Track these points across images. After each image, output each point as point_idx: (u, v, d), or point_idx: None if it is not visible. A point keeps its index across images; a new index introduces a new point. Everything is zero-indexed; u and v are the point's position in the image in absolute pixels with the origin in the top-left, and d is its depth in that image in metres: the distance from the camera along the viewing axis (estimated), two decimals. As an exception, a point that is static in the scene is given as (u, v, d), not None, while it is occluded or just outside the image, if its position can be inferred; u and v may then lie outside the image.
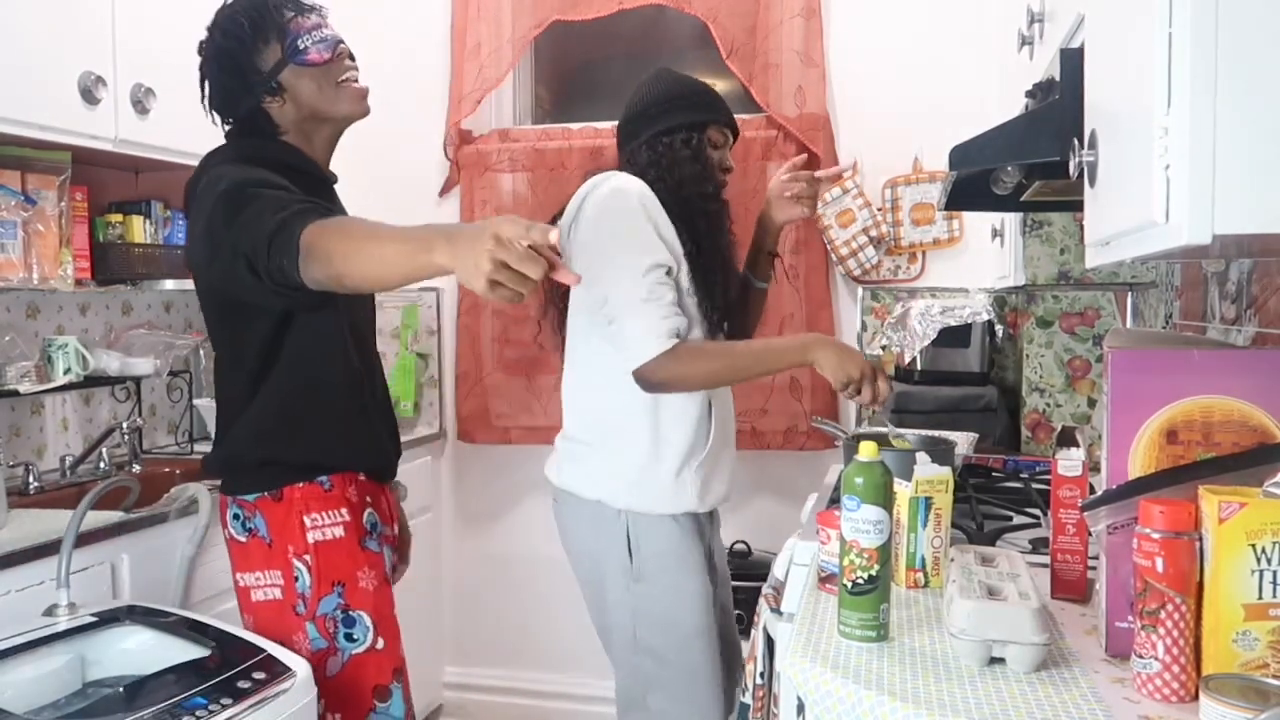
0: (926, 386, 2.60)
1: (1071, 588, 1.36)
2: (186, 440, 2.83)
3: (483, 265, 1.14)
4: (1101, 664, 1.14)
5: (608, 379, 1.83)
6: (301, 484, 1.66)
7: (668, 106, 1.91)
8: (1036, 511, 1.83)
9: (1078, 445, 1.36)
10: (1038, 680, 1.09)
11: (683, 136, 1.89)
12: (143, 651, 1.62)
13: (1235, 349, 1.25)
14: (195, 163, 2.41)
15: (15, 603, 1.71)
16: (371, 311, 1.86)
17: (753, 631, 1.62)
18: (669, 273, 1.79)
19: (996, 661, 1.12)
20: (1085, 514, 1.16)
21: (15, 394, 2.19)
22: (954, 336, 2.61)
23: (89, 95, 2.09)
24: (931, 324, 2.61)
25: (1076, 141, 1.14)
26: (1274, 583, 0.97)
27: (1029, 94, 1.44)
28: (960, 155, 1.36)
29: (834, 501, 1.73)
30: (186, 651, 1.58)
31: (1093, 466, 1.39)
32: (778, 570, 1.60)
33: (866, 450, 1.23)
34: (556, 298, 1.99)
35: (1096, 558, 1.23)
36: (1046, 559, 1.41)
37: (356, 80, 1.66)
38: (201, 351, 2.95)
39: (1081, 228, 1.88)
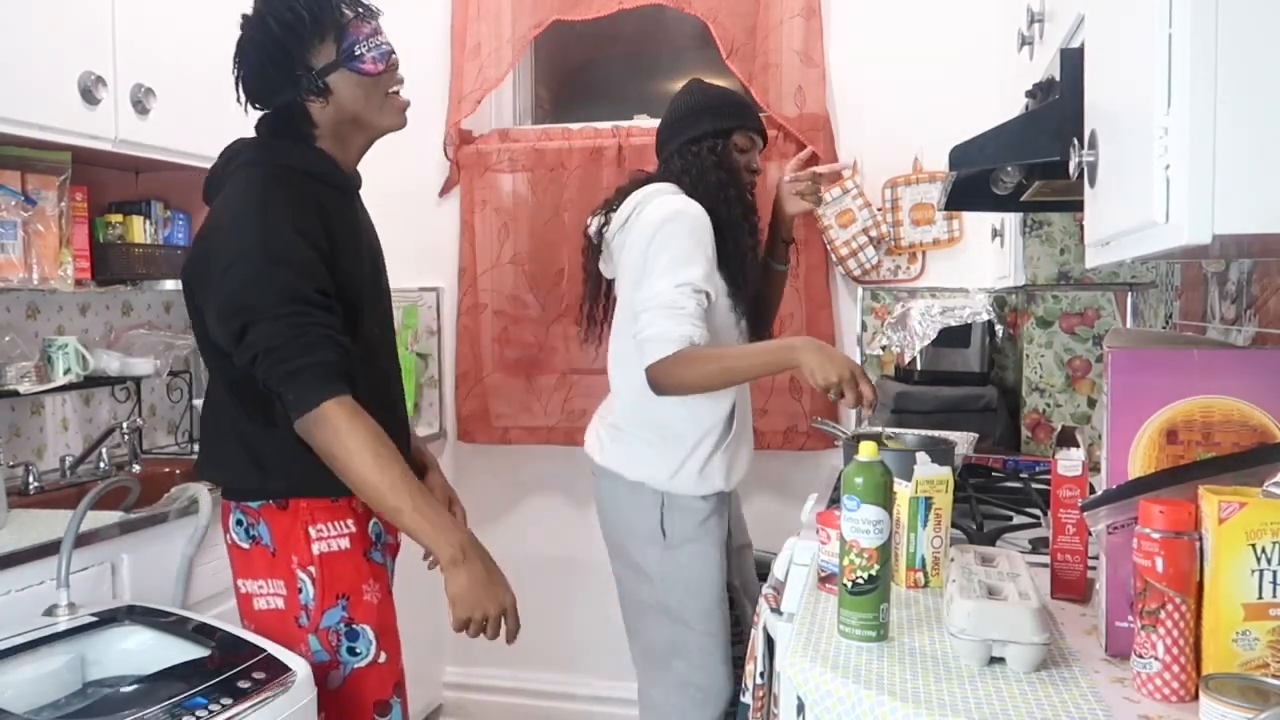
0: (926, 386, 2.60)
1: (1071, 588, 1.36)
2: (186, 440, 2.83)
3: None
4: (1101, 664, 1.14)
5: None
6: (310, 499, 1.62)
7: (696, 116, 2.10)
8: (1036, 511, 1.83)
9: (1078, 445, 1.36)
10: (1038, 680, 1.09)
11: (709, 144, 2.07)
12: (143, 651, 1.62)
13: (1235, 349, 1.25)
14: (195, 163, 2.45)
15: (15, 603, 1.71)
16: (390, 320, 1.80)
17: (753, 631, 1.62)
18: (701, 292, 1.95)
19: (996, 661, 1.12)
20: (1085, 514, 1.16)
21: (15, 394, 2.19)
22: (954, 336, 2.61)
23: (89, 95, 2.09)
24: (931, 324, 2.61)
25: (1076, 141, 1.14)
26: (1274, 582, 0.97)
27: (1029, 94, 1.44)
28: (960, 155, 1.36)
29: (834, 501, 1.74)
30: (186, 651, 1.58)
31: (1093, 466, 1.39)
32: (778, 570, 1.60)
33: (866, 450, 1.23)
34: (600, 292, 2.22)
35: (1096, 558, 1.23)
36: (1046, 559, 1.41)
37: (403, 95, 1.64)
38: (201, 351, 2.95)
39: (1081, 228, 1.88)
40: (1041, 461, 2.28)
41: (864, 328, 2.95)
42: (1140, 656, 1.05)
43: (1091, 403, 2.49)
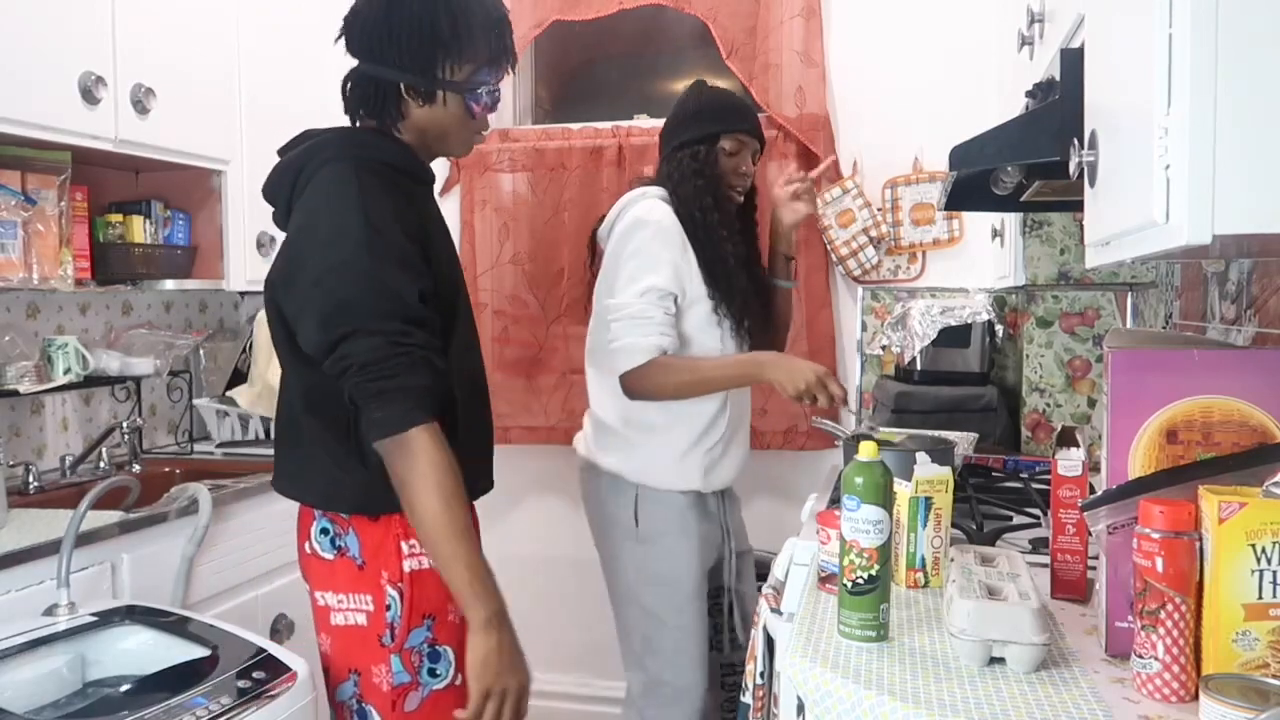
0: (926, 386, 2.60)
1: (1071, 588, 1.36)
2: (186, 440, 2.83)
3: None
4: (1101, 664, 1.14)
5: None
6: (386, 516, 1.52)
7: (687, 121, 2.12)
8: (1036, 511, 1.83)
9: (1078, 445, 1.36)
10: (1038, 680, 1.09)
11: (692, 150, 2.09)
12: (143, 651, 1.62)
13: (1235, 349, 1.25)
14: (195, 163, 2.46)
15: (15, 603, 1.71)
16: (474, 325, 1.70)
17: (753, 631, 1.62)
18: (669, 298, 2.00)
19: (996, 661, 1.12)
20: (1085, 514, 1.16)
21: (15, 394, 2.19)
22: (954, 336, 2.61)
23: (89, 95, 2.09)
24: (931, 324, 2.61)
25: (1076, 141, 1.14)
26: (1274, 583, 0.97)
27: (1029, 94, 1.44)
28: (960, 155, 1.36)
29: (834, 501, 1.74)
30: (186, 651, 1.58)
31: (1093, 466, 1.39)
32: (778, 570, 1.60)
33: (866, 450, 1.23)
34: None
35: (1096, 558, 1.23)
36: (1046, 559, 1.41)
37: (481, 136, 1.64)
38: (201, 351, 2.95)
39: (1081, 228, 1.88)
40: (1041, 461, 2.28)
41: (864, 328, 2.95)
42: (1140, 656, 1.05)
43: (1091, 403, 2.49)
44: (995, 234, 2.56)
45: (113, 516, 1.95)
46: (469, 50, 1.53)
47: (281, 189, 1.56)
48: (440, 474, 1.39)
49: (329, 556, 1.55)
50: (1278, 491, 0.99)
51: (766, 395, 2.96)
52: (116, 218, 2.44)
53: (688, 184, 2.07)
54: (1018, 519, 1.81)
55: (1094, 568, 1.32)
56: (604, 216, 2.19)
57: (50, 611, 1.64)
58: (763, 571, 1.88)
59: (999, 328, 2.66)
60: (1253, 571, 0.98)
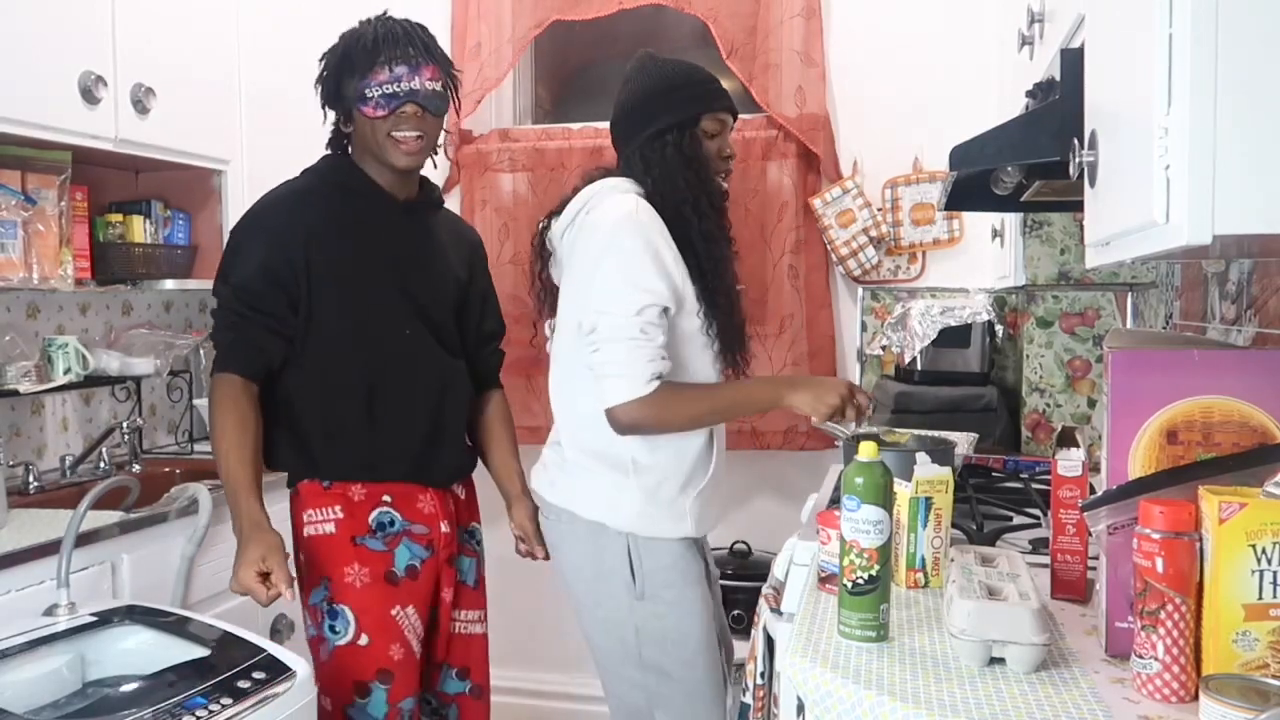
0: (926, 386, 2.60)
1: (1071, 588, 1.36)
2: (186, 440, 2.83)
3: None
4: (1101, 664, 1.14)
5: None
6: (307, 480, 1.82)
7: (656, 104, 1.81)
8: (1036, 511, 1.83)
9: (1078, 445, 1.36)
10: (1038, 680, 1.09)
11: (674, 138, 1.79)
12: (143, 651, 1.62)
13: (1235, 349, 1.25)
14: (195, 163, 2.46)
15: (15, 603, 1.71)
16: (432, 323, 1.88)
17: (753, 631, 1.62)
18: (664, 313, 1.72)
19: (996, 661, 1.12)
20: (1085, 514, 1.16)
21: (15, 394, 2.19)
22: (954, 336, 2.61)
23: (89, 95, 2.09)
24: (931, 324, 2.61)
25: (1076, 141, 1.14)
26: (1274, 583, 0.97)
27: (1029, 94, 1.44)
28: (960, 155, 1.36)
29: (834, 501, 1.73)
30: (186, 651, 1.58)
31: (1093, 466, 1.39)
32: (778, 570, 1.60)
33: (866, 450, 1.23)
34: (554, 302, 1.92)
35: (1096, 558, 1.23)
36: (1046, 559, 1.41)
37: (412, 138, 1.75)
38: (201, 351, 2.95)
39: (1081, 228, 1.88)
40: (1041, 461, 2.28)
41: (864, 328, 2.95)
42: (1140, 657, 1.05)
43: (1091, 403, 2.49)
44: (995, 234, 2.56)
45: (113, 516, 1.95)
46: (349, 64, 1.74)
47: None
48: (217, 415, 1.72)
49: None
50: (1277, 492, 0.98)
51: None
52: (116, 218, 2.44)
53: (677, 180, 1.77)
54: (1018, 519, 1.81)
55: (1094, 568, 1.32)
56: (554, 212, 1.90)
57: (50, 611, 1.64)
58: (763, 571, 1.87)
59: (999, 328, 2.66)
60: (1253, 572, 0.98)
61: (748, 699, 1.58)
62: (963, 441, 2.18)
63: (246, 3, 2.59)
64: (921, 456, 1.49)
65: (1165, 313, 2.09)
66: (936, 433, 2.18)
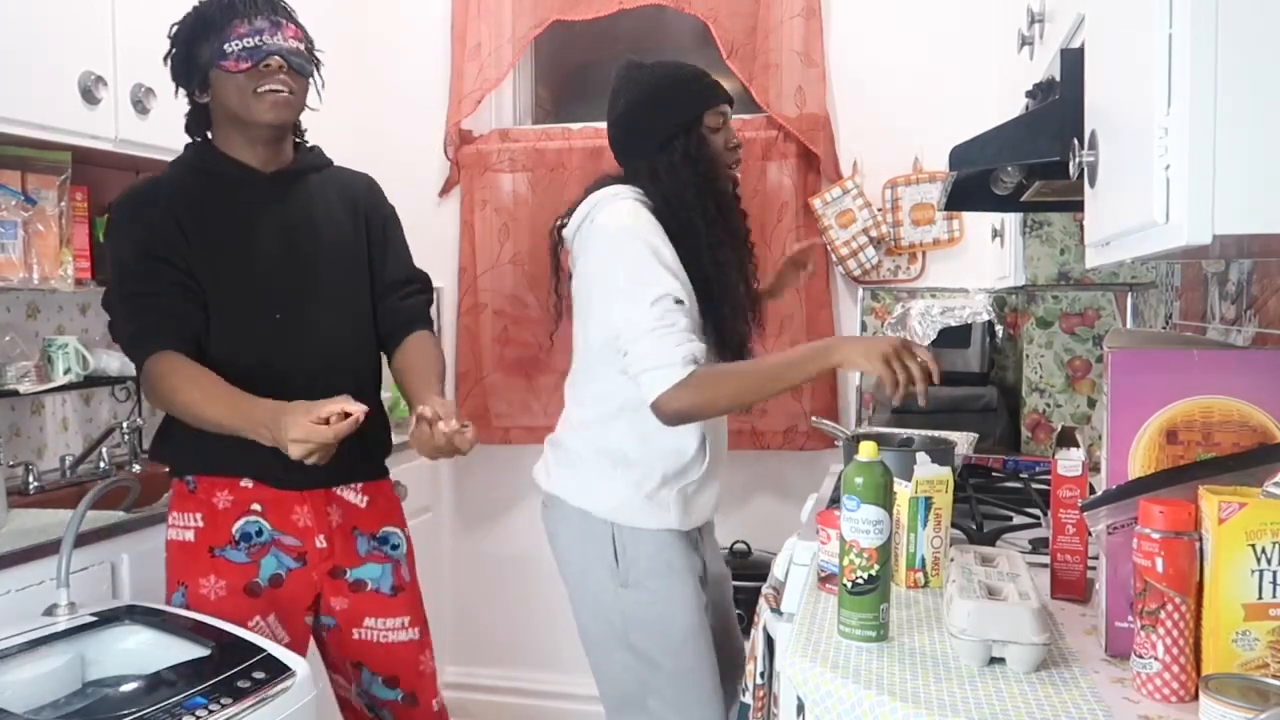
0: (926, 386, 2.60)
1: (1071, 588, 1.36)
2: (186, 440, 2.82)
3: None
4: (1101, 664, 1.14)
5: (613, 402, 1.83)
6: (175, 480, 1.78)
7: (655, 113, 1.83)
8: (1036, 511, 1.83)
9: (1078, 445, 1.36)
10: (1038, 680, 1.09)
11: (681, 143, 1.81)
12: (143, 651, 1.62)
13: (1235, 349, 1.25)
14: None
15: (15, 602, 1.71)
16: (316, 299, 1.77)
17: (753, 631, 1.62)
18: (679, 302, 1.73)
19: (996, 661, 1.12)
20: (1085, 514, 1.16)
21: (15, 394, 2.19)
22: (954, 336, 2.60)
23: (89, 95, 2.09)
24: (931, 324, 2.61)
25: (1076, 141, 1.14)
26: (1274, 583, 0.97)
27: (1029, 94, 1.44)
28: (960, 155, 1.36)
29: (834, 501, 1.73)
30: (186, 651, 1.58)
31: (1093, 466, 1.39)
32: (778, 570, 1.60)
33: (866, 450, 1.23)
34: (567, 308, 1.96)
35: (1096, 558, 1.23)
36: (1046, 559, 1.41)
37: (281, 91, 1.67)
38: (201, 351, 2.95)
39: (1081, 228, 1.88)
40: (1041, 461, 2.28)
41: (864, 328, 2.95)
42: (1140, 657, 1.05)
43: (1091, 403, 2.49)
44: (995, 234, 2.56)
45: (113, 516, 1.95)
46: (200, 29, 1.68)
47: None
48: (163, 390, 1.64)
49: None
50: (1277, 491, 0.98)
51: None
52: (116, 218, 2.43)
53: (684, 191, 1.80)
54: (1018, 519, 1.81)
55: (1094, 568, 1.32)
56: (569, 211, 1.92)
57: (50, 611, 1.64)
58: (763, 571, 1.87)
59: (999, 328, 2.66)
60: (1253, 571, 0.98)
61: (748, 699, 1.58)
62: (963, 441, 2.18)
63: (246, 3, 2.59)
64: (921, 456, 1.49)
65: (1165, 313, 2.09)
66: (936, 433, 2.18)
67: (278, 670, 1.53)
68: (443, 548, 3.30)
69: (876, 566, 1.20)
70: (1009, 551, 1.39)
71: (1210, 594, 1.00)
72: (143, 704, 1.39)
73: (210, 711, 1.39)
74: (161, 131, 2.30)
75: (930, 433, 2.17)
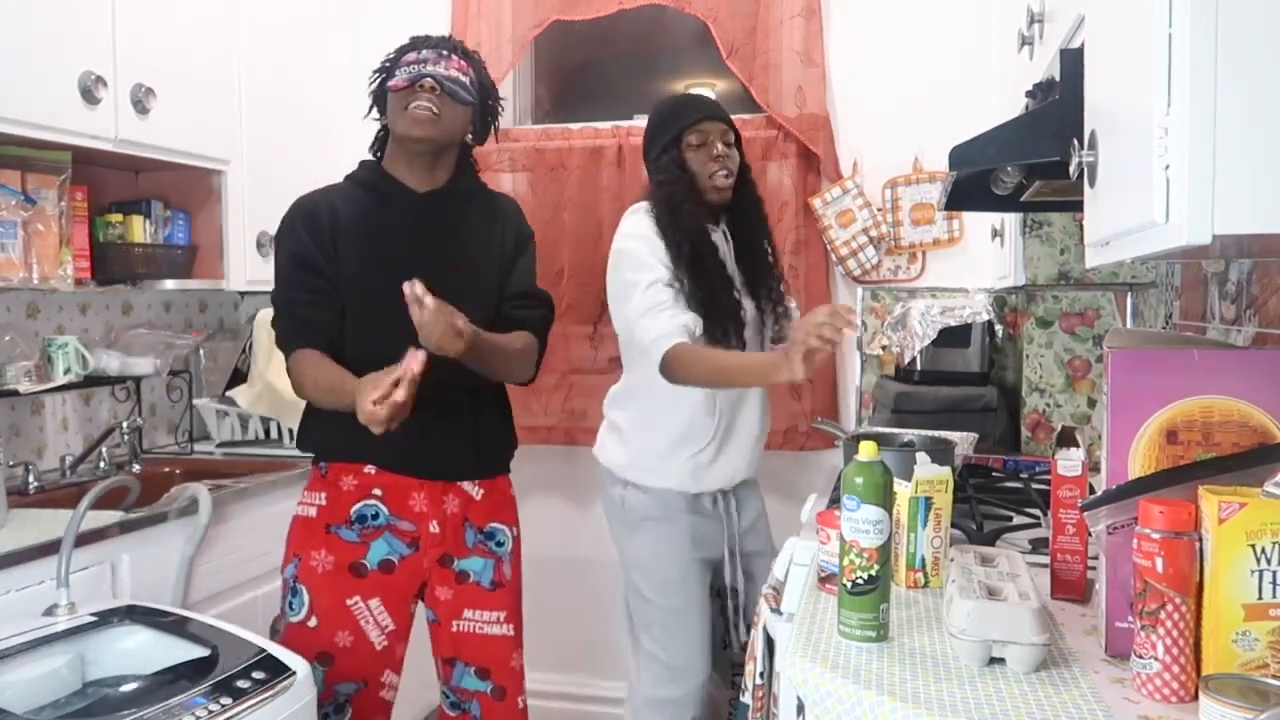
0: (926, 386, 2.60)
1: (1071, 588, 1.36)
2: (186, 440, 2.83)
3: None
4: (1101, 664, 1.14)
5: (635, 380, 2.21)
6: (313, 466, 1.91)
7: (652, 132, 2.22)
8: (1036, 511, 1.83)
9: (1078, 445, 1.36)
10: (1038, 680, 1.09)
11: (665, 159, 2.15)
12: (143, 651, 1.62)
13: (1235, 349, 1.25)
14: (195, 163, 2.47)
15: (15, 603, 1.71)
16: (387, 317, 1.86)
17: (753, 631, 1.62)
18: (669, 285, 2.05)
19: (996, 661, 1.12)
20: (1085, 514, 1.16)
21: (15, 394, 2.19)
22: (954, 336, 2.61)
23: (89, 95, 2.09)
24: (931, 324, 2.61)
25: (1076, 141, 1.14)
26: (1274, 583, 0.97)
27: (1029, 94, 1.44)
28: (960, 155, 1.36)
29: (834, 501, 1.73)
30: (186, 651, 1.59)
31: (1093, 466, 1.39)
32: (778, 570, 1.60)
33: (866, 450, 1.23)
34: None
35: (1096, 558, 1.23)
36: (1046, 559, 1.41)
37: (427, 108, 1.81)
38: (201, 351, 2.95)
39: (1081, 228, 1.88)
40: (1041, 461, 2.28)
41: (864, 328, 2.95)
42: (1140, 657, 1.05)
43: (1091, 403, 2.49)
44: (995, 234, 2.56)
45: (113, 516, 1.95)
46: (393, 62, 1.87)
47: None
48: (300, 380, 1.82)
49: None
50: (1277, 492, 0.98)
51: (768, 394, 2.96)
52: (116, 218, 2.44)
53: (667, 186, 2.13)
54: (1018, 519, 1.81)
55: (1094, 568, 1.32)
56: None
57: (50, 611, 1.64)
58: (762, 571, 1.89)
59: (999, 328, 2.65)
60: (1252, 572, 0.98)
61: (747, 699, 1.58)
62: (963, 441, 2.18)
63: (246, 3, 2.59)
64: (921, 456, 1.49)
65: (1165, 313, 2.09)
66: (936, 433, 2.18)
67: (278, 670, 1.53)
68: (443, 548, 3.29)
69: (876, 566, 1.20)
70: (1009, 551, 1.39)
71: (1210, 594, 1.00)
72: (143, 704, 1.39)
73: (210, 712, 1.39)
74: (161, 131, 2.30)
75: (930, 433, 2.17)
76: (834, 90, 2.94)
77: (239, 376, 2.86)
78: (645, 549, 2.18)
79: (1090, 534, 1.24)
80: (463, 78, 1.85)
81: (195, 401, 2.84)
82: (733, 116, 2.23)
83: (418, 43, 1.87)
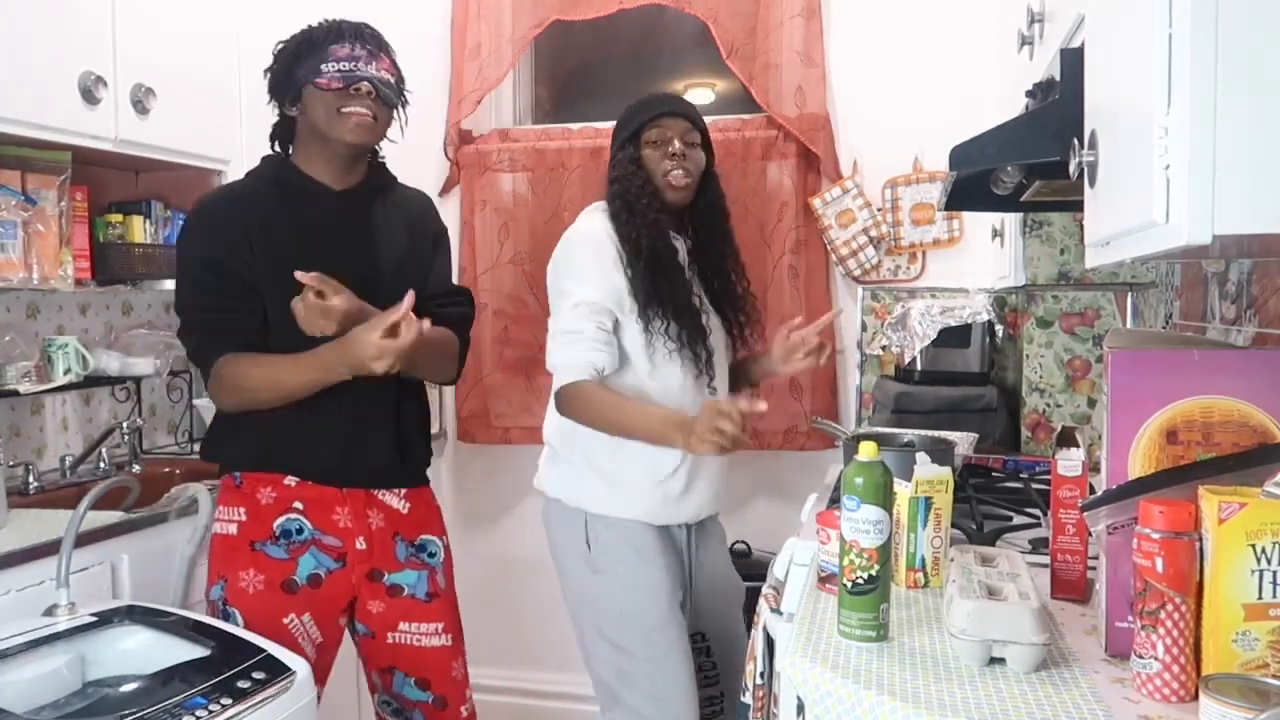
0: (926, 386, 2.60)
1: (1071, 588, 1.36)
2: (186, 440, 2.83)
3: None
4: (1101, 664, 1.14)
5: None
6: (224, 476, 1.84)
7: (615, 130, 2.10)
8: (1036, 511, 1.83)
9: (1078, 445, 1.36)
10: (1038, 680, 1.09)
11: (621, 155, 2.04)
12: (143, 651, 1.62)
13: (1235, 349, 1.25)
14: (195, 163, 2.47)
15: (15, 603, 1.71)
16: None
17: (753, 631, 1.62)
18: (603, 312, 1.91)
19: (996, 661, 1.12)
20: (1085, 514, 1.16)
21: (15, 394, 2.19)
22: (954, 336, 2.61)
23: (89, 95, 2.09)
24: (931, 324, 2.61)
25: (1076, 141, 1.14)
26: (1274, 583, 0.97)
27: (1029, 94, 1.44)
28: (960, 155, 1.36)
29: (834, 501, 1.73)
30: (186, 651, 1.58)
31: (1093, 466, 1.39)
32: (778, 570, 1.60)
33: (866, 450, 1.23)
34: None
35: (1096, 558, 1.23)
36: (1046, 559, 1.41)
37: (366, 115, 1.76)
38: (201, 351, 2.95)
39: (1081, 228, 1.88)
40: (1041, 461, 2.28)
41: (864, 328, 2.95)
42: (1140, 657, 1.05)
43: (1091, 403, 2.49)
44: (995, 234, 2.56)
45: (113, 516, 1.95)
46: (307, 48, 1.77)
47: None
48: (240, 380, 1.74)
49: None
50: (1278, 491, 0.98)
51: (767, 395, 2.95)
52: (116, 218, 2.44)
53: (623, 180, 2.01)
54: (1018, 519, 1.81)
55: (1094, 568, 1.32)
56: None
57: (50, 611, 1.64)
58: (762, 571, 1.87)
59: (999, 328, 2.66)
60: (1253, 571, 0.98)
61: (747, 699, 1.58)
62: (963, 441, 2.18)
63: (246, 3, 2.59)
64: (921, 456, 1.49)
65: (1165, 313, 2.09)
66: (936, 433, 2.18)
67: (278, 670, 1.53)
68: (443, 548, 3.29)
69: (876, 566, 1.20)
70: (1009, 551, 1.39)
71: (1210, 594, 1.00)
72: (143, 704, 1.39)
73: (210, 712, 1.39)
74: (161, 131, 2.30)
75: (930, 433, 2.17)
76: (834, 90, 2.94)
77: (239, 376, 2.86)
78: (623, 596, 1.95)
79: (1090, 534, 1.24)
80: (391, 79, 1.81)
81: (195, 402, 2.83)
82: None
83: (343, 32, 1.78)
